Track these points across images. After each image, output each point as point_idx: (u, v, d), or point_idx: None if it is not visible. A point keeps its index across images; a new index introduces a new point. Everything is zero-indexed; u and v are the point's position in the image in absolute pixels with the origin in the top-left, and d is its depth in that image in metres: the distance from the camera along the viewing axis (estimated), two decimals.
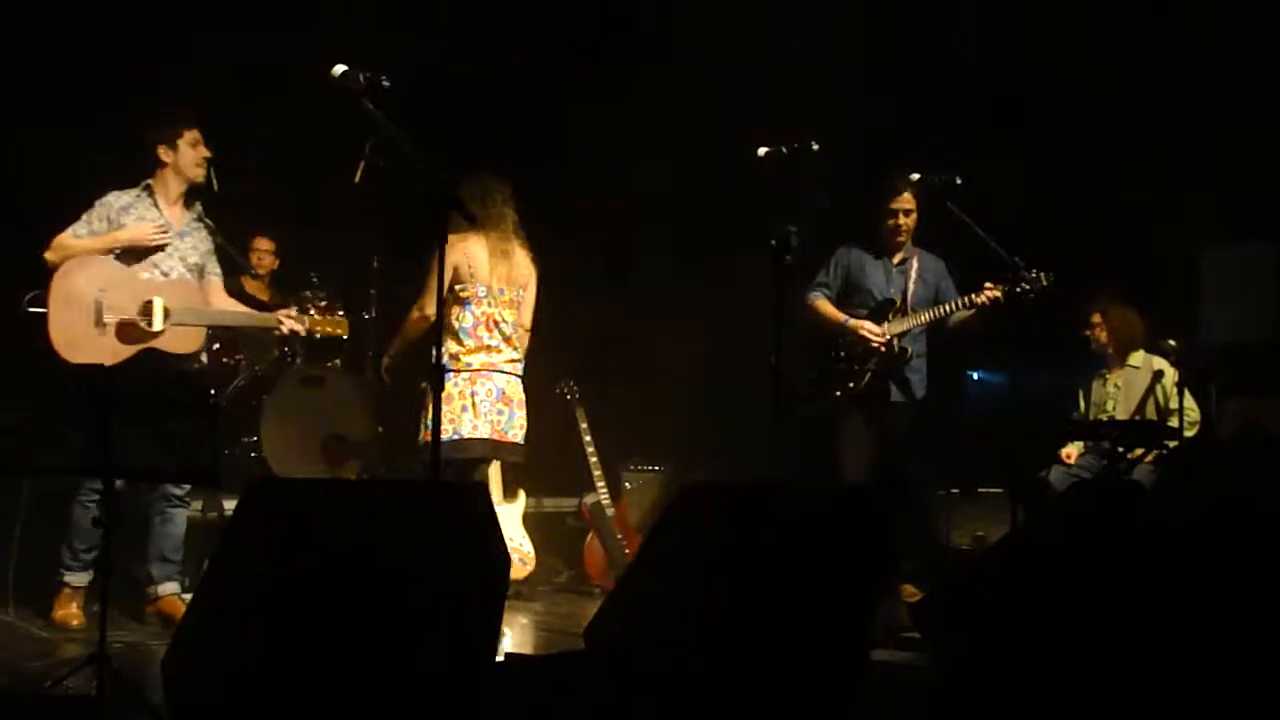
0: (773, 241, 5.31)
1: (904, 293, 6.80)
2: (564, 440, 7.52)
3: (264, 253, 8.11)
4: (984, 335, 6.94)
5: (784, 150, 5.50)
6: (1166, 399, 7.49)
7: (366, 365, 7.59)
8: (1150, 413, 7.51)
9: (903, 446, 6.71)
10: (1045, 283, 6.31)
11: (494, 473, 7.06)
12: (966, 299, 6.59)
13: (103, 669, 3.90)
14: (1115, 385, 7.74)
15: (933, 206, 6.30)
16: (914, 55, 8.18)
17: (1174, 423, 7.30)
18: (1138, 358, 7.68)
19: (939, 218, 6.23)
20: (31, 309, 5.62)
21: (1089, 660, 4.03)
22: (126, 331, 5.54)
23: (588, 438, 7.45)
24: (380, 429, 7.31)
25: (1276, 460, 7.05)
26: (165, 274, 5.74)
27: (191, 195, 5.91)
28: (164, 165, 5.81)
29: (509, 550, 6.74)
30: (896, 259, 6.87)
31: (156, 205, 5.80)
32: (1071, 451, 7.52)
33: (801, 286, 6.83)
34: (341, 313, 6.42)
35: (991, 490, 8.11)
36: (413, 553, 3.34)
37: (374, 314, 7.61)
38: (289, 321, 5.92)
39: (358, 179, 5.13)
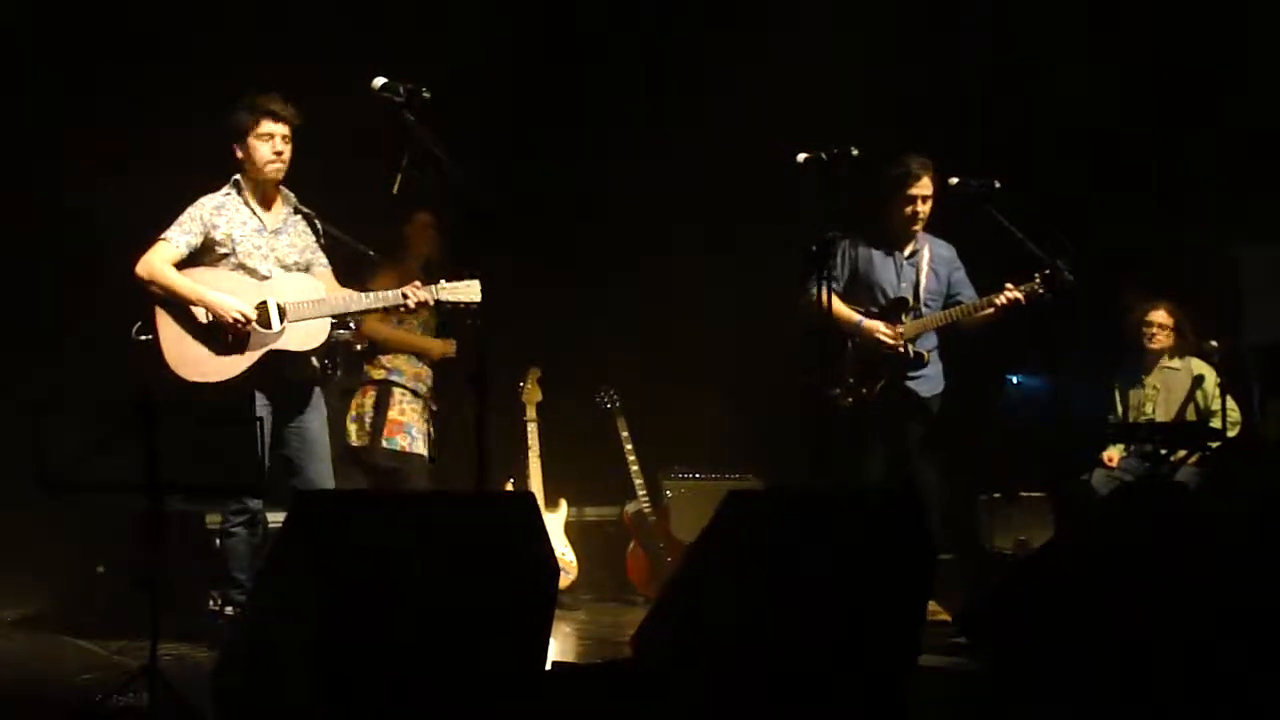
0: (814, 247, 5.31)
1: (915, 287, 6.45)
2: (605, 449, 7.53)
3: None
4: (1022, 338, 6.88)
5: (823, 156, 5.48)
6: (1208, 401, 7.44)
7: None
8: (1190, 415, 7.45)
9: (915, 452, 6.44)
10: (1070, 277, 6.04)
11: (535, 481, 7.10)
12: (986, 300, 6.32)
13: (154, 681, 3.93)
14: (1154, 387, 7.67)
15: (971, 211, 6.15)
16: (939, 56, 8.12)
17: (1216, 424, 7.24)
18: (1176, 360, 7.63)
19: (977, 222, 6.12)
20: (144, 337, 5.32)
21: (1136, 664, 4.01)
22: (246, 339, 5.29)
23: (629, 446, 7.45)
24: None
25: None
26: (266, 276, 5.43)
27: (275, 190, 5.56)
28: (240, 163, 5.49)
29: None
30: (907, 250, 6.50)
31: (248, 203, 5.49)
32: (1114, 455, 7.45)
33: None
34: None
35: (1033, 494, 8.07)
36: (461, 562, 3.36)
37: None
38: (416, 293, 5.48)
39: (396, 190, 5.13)
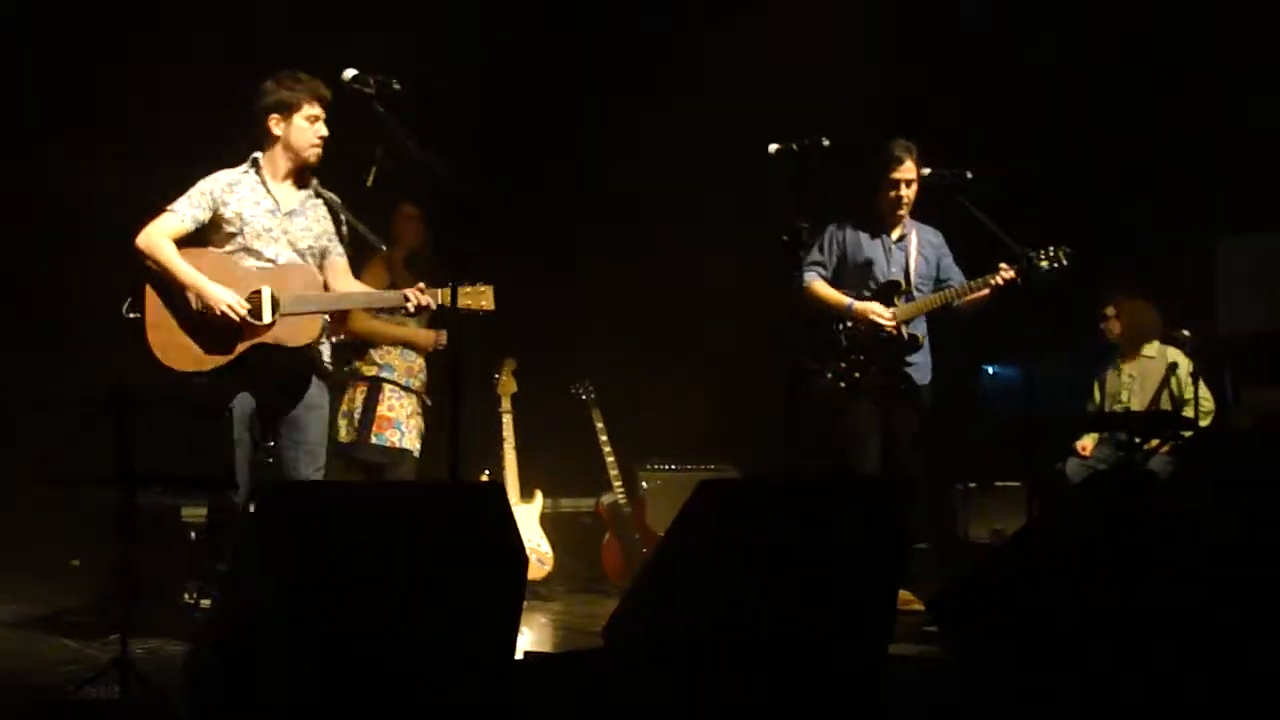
0: (784, 237, 5.32)
1: (905, 271, 6.47)
2: (580, 440, 7.54)
3: None
4: (998, 327, 6.91)
5: (794, 147, 5.50)
6: (1181, 389, 7.48)
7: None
8: (1165, 403, 7.49)
9: (910, 444, 6.45)
10: (1065, 260, 6.12)
11: (510, 473, 7.10)
12: (981, 280, 6.32)
13: (126, 674, 3.93)
14: (1130, 376, 7.73)
15: (944, 201, 6.19)
16: (923, 49, 8.15)
17: (1189, 413, 7.29)
18: (1152, 348, 7.67)
19: (950, 212, 6.15)
20: (129, 314, 5.12)
21: (1108, 654, 4.03)
22: (234, 330, 5.09)
23: (604, 437, 7.46)
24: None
25: None
26: (271, 260, 5.23)
27: (306, 172, 5.37)
28: (274, 139, 5.27)
29: (527, 551, 6.85)
30: (895, 234, 6.53)
31: (264, 183, 5.28)
32: (1087, 444, 7.51)
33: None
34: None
35: (1009, 484, 8.11)
36: (429, 553, 3.36)
37: None
38: (418, 297, 5.28)
39: (370, 182, 5.14)
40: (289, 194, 5.33)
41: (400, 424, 6.61)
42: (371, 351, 6.69)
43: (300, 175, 5.35)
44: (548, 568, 7.01)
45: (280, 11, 7.19)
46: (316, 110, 5.24)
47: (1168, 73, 8.10)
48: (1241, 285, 8.09)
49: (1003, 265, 6.26)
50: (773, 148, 5.53)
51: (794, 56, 7.72)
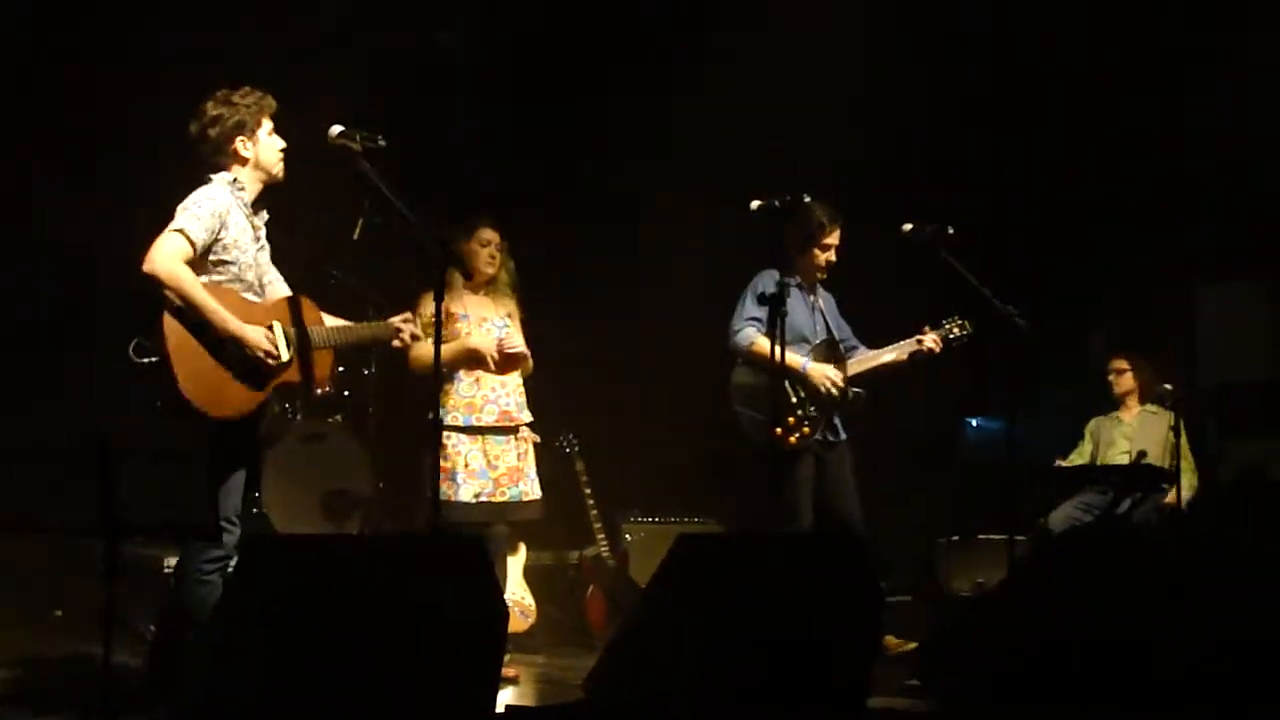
0: (768, 294, 5.36)
1: (828, 330, 6.53)
2: (564, 493, 7.54)
3: None
4: (981, 381, 6.95)
5: (776, 203, 5.54)
6: (1166, 445, 7.52)
7: (368, 421, 7.60)
8: (1167, 460, 7.46)
9: (849, 487, 6.46)
10: (969, 330, 6.30)
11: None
12: (912, 341, 6.45)
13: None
14: (1130, 428, 7.75)
15: (924, 255, 6.20)
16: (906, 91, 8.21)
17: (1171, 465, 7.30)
18: (1156, 405, 7.72)
19: (930, 266, 6.17)
20: (141, 359, 4.48)
21: (1089, 705, 4.05)
22: (260, 371, 4.67)
23: (588, 490, 7.46)
24: (381, 484, 7.33)
25: (1277, 505, 7.08)
26: (257, 292, 4.84)
27: (267, 193, 4.93)
28: (242, 161, 4.82)
29: (510, 604, 6.83)
30: (812, 296, 6.56)
31: (244, 207, 4.84)
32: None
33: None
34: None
35: (991, 537, 8.12)
36: (409, 606, 3.37)
37: (373, 370, 7.58)
38: (408, 327, 5.09)
39: (356, 235, 5.17)
40: (257, 219, 4.92)
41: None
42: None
43: (264, 196, 4.93)
44: (530, 620, 6.99)
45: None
46: (271, 123, 4.87)
47: (1138, 132, 8.20)
48: (1220, 336, 8.18)
49: (927, 328, 6.43)
50: (755, 204, 5.56)
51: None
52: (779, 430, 6.24)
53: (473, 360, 6.09)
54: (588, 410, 7.95)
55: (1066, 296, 8.20)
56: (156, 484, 4.09)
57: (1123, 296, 8.34)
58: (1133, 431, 7.74)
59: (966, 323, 6.37)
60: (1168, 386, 7.41)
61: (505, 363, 6.14)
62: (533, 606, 7.01)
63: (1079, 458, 7.89)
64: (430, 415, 4.92)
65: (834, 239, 6.43)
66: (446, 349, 5.84)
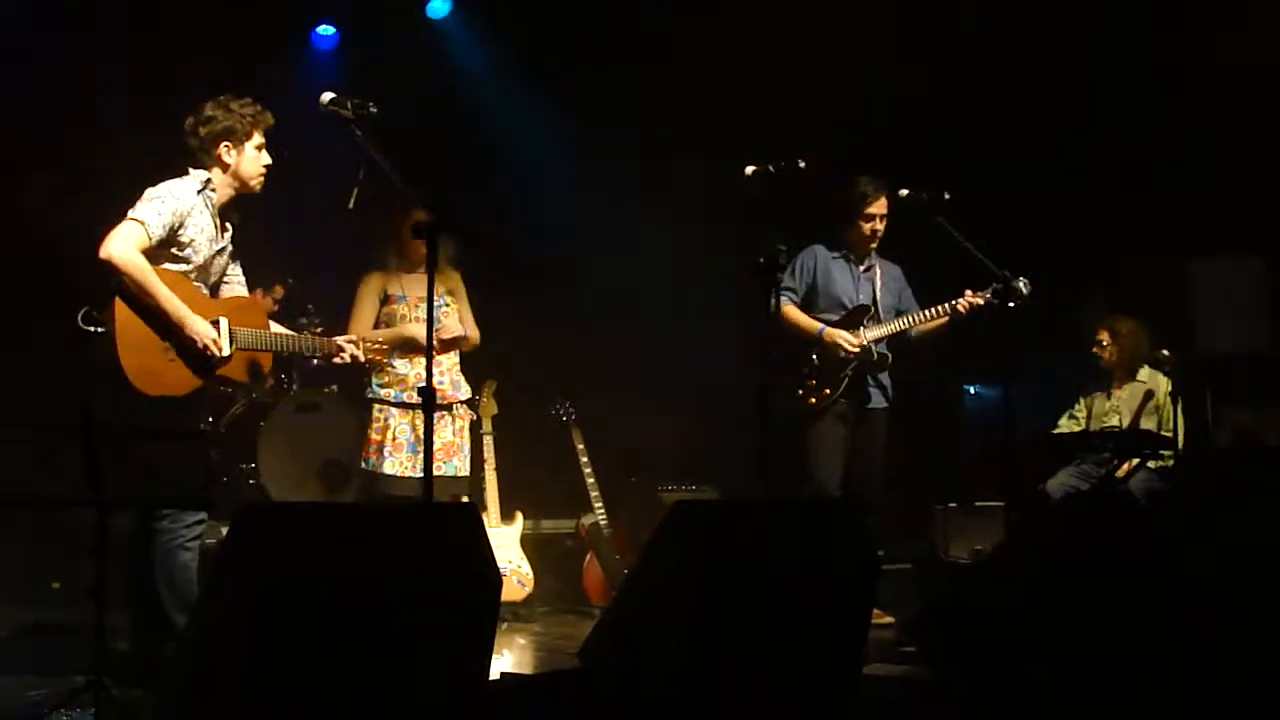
0: (761, 260, 5.34)
1: (873, 298, 6.69)
2: (561, 461, 7.54)
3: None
4: (980, 347, 6.95)
5: (771, 169, 5.53)
6: (1162, 411, 7.51)
7: (363, 391, 7.57)
8: (1150, 424, 7.49)
9: (879, 455, 6.64)
10: (1025, 291, 6.15)
11: (491, 494, 7.10)
12: (945, 306, 6.52)
13: (99, 696, 3.93)
14: (1120, 399, 7.74)
15: (921, 221, 6.18)
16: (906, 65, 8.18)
17: (1167, 432, 7.29)
18: (1144, 372, 7.69)
19: (926, 232, 6.15)
20: (87, 327, 4.70)
21: (1082, 672, 4.04)
22: (199, 359, 4.85)
23: (584, 458, 7.45)
24: None
25: (1273, 471, 7.06)
26: (210, 289, 5.05)
27: (238, 202, 5.09)
28: (223, 165, 4.98)
29: (508, 572, 6.84)
30: (863, 266, 6.75)
31: (210, 209, 4.98)
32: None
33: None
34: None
35: (989, 503, 8.13)
36: (401, 573, 3.36)
37: None
38: (351, 348, 5.30)
39: (351, 205, 5.13)
40: (223, 226, 5.07)
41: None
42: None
43: (235, 204, 5.09)
44: (528, 589, 7.00)
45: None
46: (263, 139, 5.03)
47: (1137, 101, 8.17)
48: (1216, 306, 8.17)
49: (968, 291, 6.46)
50: (749, 170, 5.57)
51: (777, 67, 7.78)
52: (799, 392, 6.43)
53: (409, 347, 6.20)
54: (583, 376, 7.96)
55: (1065, 264, 8.17)
56: (147, 457, 4.12)
57: (1120, 265, 8.31)
58: (1120, 403, 7.71)
59: (1022, 282, 6.17)
60: (1165, 352, 7.39)
61: (442, 345, 6.27)
62: (530, 575, 7.02)
63: (1072, 424, 7.86)
64: (419, 389, 4.88)
65: (877, 208, 6.60)
66: (385, 335, 6.13)
